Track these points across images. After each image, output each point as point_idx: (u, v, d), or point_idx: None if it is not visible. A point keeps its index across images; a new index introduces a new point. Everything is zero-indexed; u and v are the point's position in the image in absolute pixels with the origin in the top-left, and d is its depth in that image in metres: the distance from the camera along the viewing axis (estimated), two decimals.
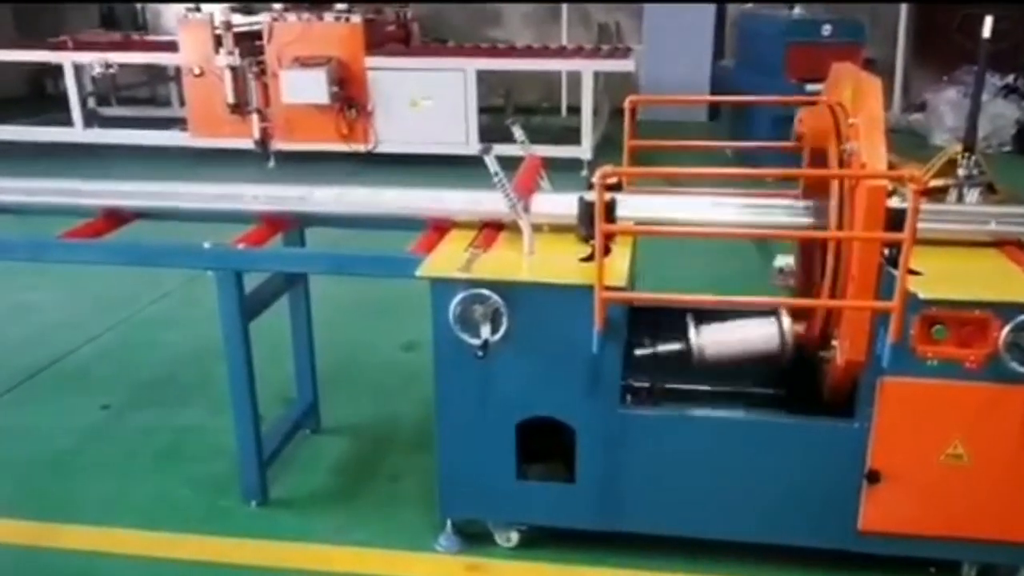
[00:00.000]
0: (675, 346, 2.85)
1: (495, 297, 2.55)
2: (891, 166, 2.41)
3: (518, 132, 3.03)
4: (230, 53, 8.08)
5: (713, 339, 2.78)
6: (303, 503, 3.26)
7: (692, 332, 2.79)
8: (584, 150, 8.09)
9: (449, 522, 2.95)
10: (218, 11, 8.16)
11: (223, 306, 2.91)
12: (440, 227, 2.97)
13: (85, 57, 8.77)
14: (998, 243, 2.74)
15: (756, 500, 2.73)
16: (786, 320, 2.73)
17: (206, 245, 2.87)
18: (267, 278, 3.18)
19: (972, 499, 2.58)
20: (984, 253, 2.70)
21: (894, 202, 2.37)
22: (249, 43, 8.27)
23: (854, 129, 2.45)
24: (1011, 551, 2.67)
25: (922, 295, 2.38)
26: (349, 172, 8.00)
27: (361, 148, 8.26)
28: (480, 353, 2.54)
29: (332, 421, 3.77)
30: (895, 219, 2.29)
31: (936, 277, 2.48)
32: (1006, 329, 2.36)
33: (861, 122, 2.40)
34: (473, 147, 2.28)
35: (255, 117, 8.27)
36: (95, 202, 3.18)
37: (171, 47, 8.71)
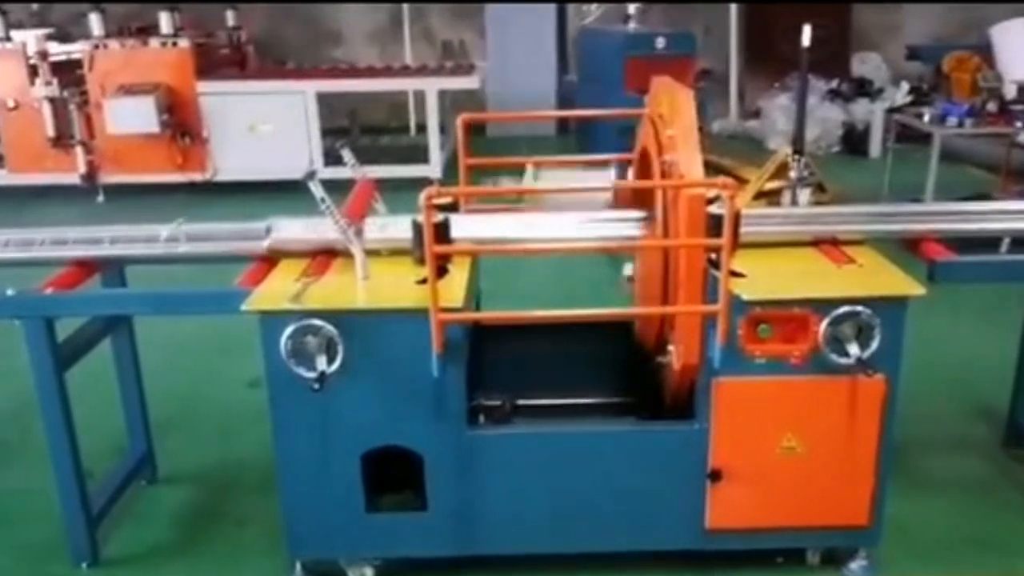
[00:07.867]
0: None
1: (328, 327, 2.46)
2: (729, 171, 2.48)
3: (347, 155, 2.96)
4: (48, 83, 7.59)
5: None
6: (141, 560, 3.05)
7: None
8: (433, 168, 8.03)
9: (299, 564, 2.82)
10: (32, 40, 7.65)
11: (34, 357, 2.71)
12: (271, 258, 2.85)
13: None
14: (816, 242, 2.87)
15: (609, 509, 2.74)
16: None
17: (9, 292, 2.65)
18: (84, 322, 2.98)
19: (809, 488, 2.68)
20: (803, 252, 2.82)
21: (719, 208, 2.44)
22: (70, 72, 7.79)
23: (672, 140, 2.51)
24: (848, 534, 2.79)
25: (745, 296, 2.46)
26: (185, 203, 7.63)
27: (198, 177, 7.93)
28: (316, 386, 2.44)
29: (171, 469, 3.54)
30: (718, 225, 2.34)
31: (759, 278, 2.57)
32: (824, 324, 2.48)
33: (677, 133, 2.47)
34: (318, 171, 2.22)
35: (80, 150, 7.79)
36: None
37: None
